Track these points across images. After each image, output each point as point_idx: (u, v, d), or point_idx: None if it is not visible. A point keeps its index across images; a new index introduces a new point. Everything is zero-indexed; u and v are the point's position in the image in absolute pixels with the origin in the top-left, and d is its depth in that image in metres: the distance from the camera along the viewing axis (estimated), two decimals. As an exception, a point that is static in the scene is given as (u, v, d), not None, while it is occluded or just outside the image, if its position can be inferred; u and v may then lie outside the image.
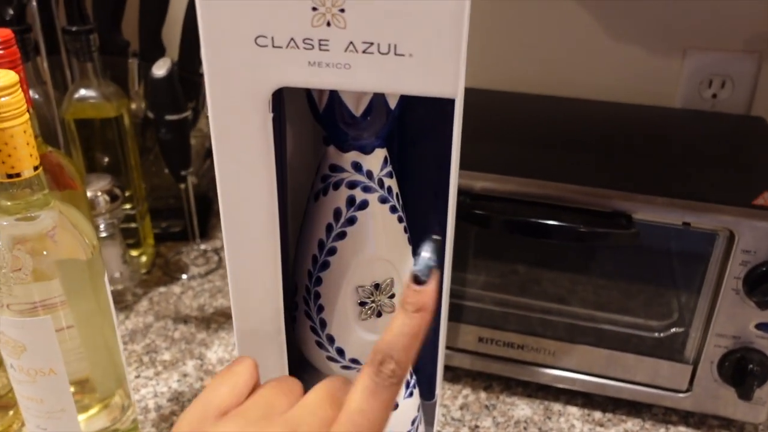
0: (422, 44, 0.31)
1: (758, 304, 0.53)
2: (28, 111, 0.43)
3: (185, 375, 0.66)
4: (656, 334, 0.60)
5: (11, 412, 0.59)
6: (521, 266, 0.63)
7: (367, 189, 0.40)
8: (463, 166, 0.48)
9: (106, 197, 0.70)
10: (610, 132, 0.68)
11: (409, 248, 0.44)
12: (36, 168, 0.43)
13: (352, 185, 0.40)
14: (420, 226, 0.45)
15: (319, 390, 0.31)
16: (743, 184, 0.56)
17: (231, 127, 0.36)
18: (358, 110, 0.38)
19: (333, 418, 0.29)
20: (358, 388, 0.29)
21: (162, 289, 0.78)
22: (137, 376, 0.65)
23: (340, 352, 0.43)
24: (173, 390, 0.64)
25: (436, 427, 0.54)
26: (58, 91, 0.73)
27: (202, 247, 0.84)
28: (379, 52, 0.32)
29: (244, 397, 0.31)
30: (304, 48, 0.32)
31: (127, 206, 0.76)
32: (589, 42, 0.76)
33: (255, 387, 0.33)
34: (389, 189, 0.41)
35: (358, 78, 0.33)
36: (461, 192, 0.56)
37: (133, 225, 0.78)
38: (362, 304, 0.42)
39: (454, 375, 0.66)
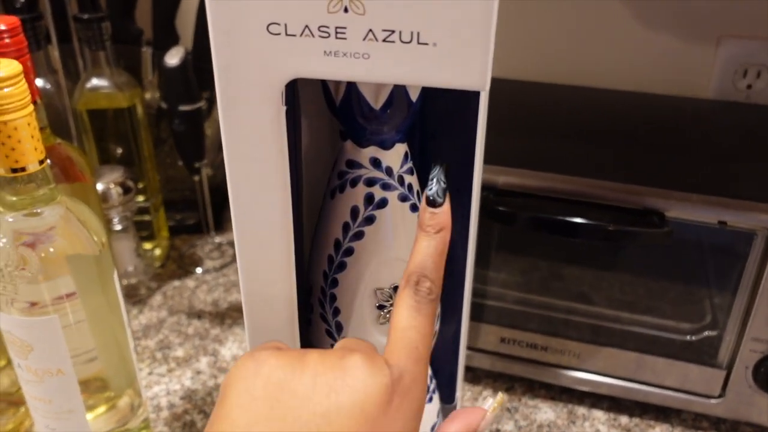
0: (448, 32, 0.29)
1: (798, 308, 0.51)
2: (34, 102, 0.41)
3: (198, 372, 0.64)
4: (688, 337, 0.57)
5: (22, 409, 0.58)
6: (546, 264, 0.61)
7: (386, 186, 0.38)
8: (487, 160, 0.45)
9: (119, 189, 0.68)
10: (640, 124, 0.65)
11: None
12: (41, 162, 0.42)
13: (370, 182, 0.38)
14: None
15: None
16: (783, 181, 0.53)
17: (242, 121, 0.34)
18: (377, 103, 0.36)
19: (374, 349, 0.31)
20: (402, 308, 0.31)
21: (176, 283, 0.76)
22: (150, 373, 0.64)
23: None
24: (186, 388, 0.63)
25: (455, 431, 0.52)
26: (70, 81, 0.71)
27: (217, 240, 0.82)
28: (401, 40, 0.29)
29: None
30: (320, 36, 0.30)
31: (141, 198, 0.74)
32: (619, 29, 0.73)
33: None
34: (410, 186, 0.39)
35: (377, 69, 0.30)
36: (484, 187, 0.53)
37: (146, 217, 0.76)
38: (381, 307, 0.40)
39: (474, 376, 0.63)
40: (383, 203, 0.38)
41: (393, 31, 0.29)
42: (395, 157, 0.38)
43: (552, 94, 0.72)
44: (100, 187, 0.67)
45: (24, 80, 0.39)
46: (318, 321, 0.42)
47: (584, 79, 0.74)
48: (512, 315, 0.60)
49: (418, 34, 0.29)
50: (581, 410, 0.60)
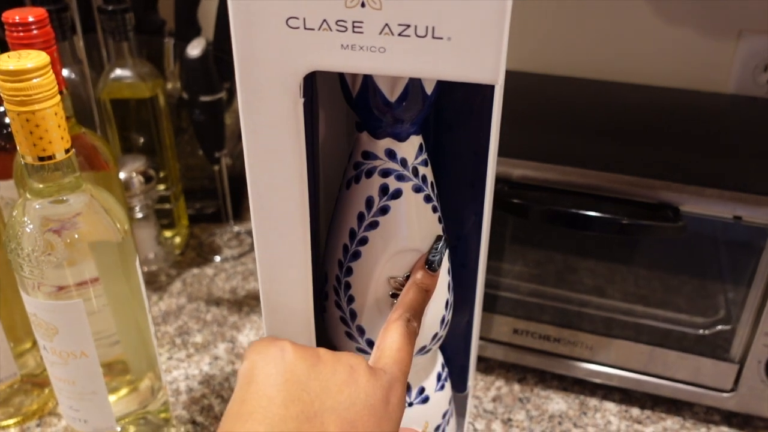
0: (462, 27, 0.29)
1: (812, 304, 0.51)
2: (60, 92, 0.43)
3: (216, 358, 0.66)
4: (701, 331, 0.57)
5: (46, 390, 0.60)
6: (560, 256, 0.61)
7: (400, 177, 0.39)
8: (502, 153, 0.46)
9: (141, 178, 0.70)
10: (657, 118, 0.65)
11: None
12: (67, 151, 0.43)
13: (385, 173, 0.39)
14: (455, 215, 0.43)
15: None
16: (800, 176, 0.53)
17: (261, 113, 0.34)
18: (392, 95, 0.37)
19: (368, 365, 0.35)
20: (395, 333, 0.36)
21: (195, 271, 0.78)
22: (169, 358, 0.66)
23: (370, 343, 0.42)
24: (204, 373, 0.64)
25: (468, 419, 0.53)
26: (94, 71, 0.73)
27: (236, 229, 0.84)
28: (416, 35, 0.30)
29: None
30: (338, 30, 0.31)
31: (162, 187, 0.76)
32: (637, 22, 0.73)
33: None
34: (424, 177, 0.40)
35: (393, 62, 0.31)
36: (499, 180, 0.54)
37: (167, 206, 0.78)
38: (394, 295, 0.41)
39: (487, 366, 0.64)
40: (398, 194, 0.39)
41: (408, 26, 0.30)
42: (410, 148, 0.39)
43: (570, 88, 0.72)
44: (122, 175, 0.68)
45: (51, 71, 0.40)
46: (333, 308, 0.43)
47: (603, 73, 0.74)
48: (526, 306, 0.61)
49: (433, 28, 0.30)
50: (593, 401, 0.61)
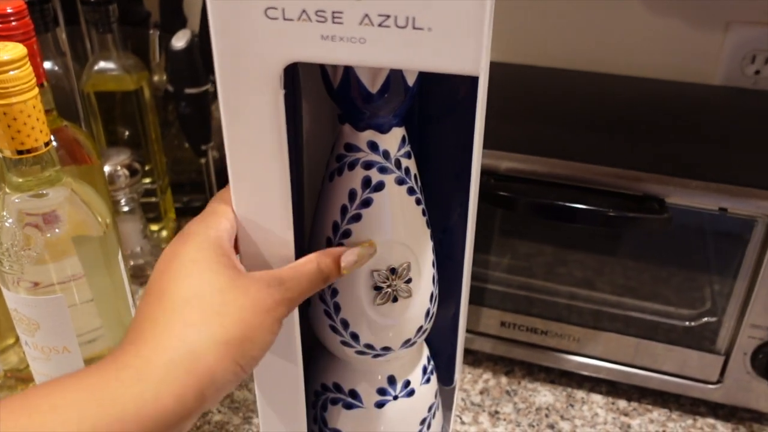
0: (442, 17, 0.29)
1: (797, 295, 0.51)
2: (40, 85, 0.42)
3: (203, 352, 0.65)
4: (687, 323, 0.57)
5: (31, 386, 0.59)
6: (547, 249, 0.61)
7: (383, 170, 0.39)
8: (488, 145, 0.46)
9: (126, 171, 0.69)
10: (643, 110, 0.65)
11: (428, 231, 0.42)
12: (46, 144, 0.42)
13: (367, 165, 0.39)
14: (441, 207, 0.43)
15: None
16: (786, 168, 0.53)
17: (241, 105, 0.34)
18: (374, 87, 0.36)
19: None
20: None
21: (182, 265, 0.77)
22: (155, 352, 0.65)
23: (354, 336, 0.42)
24: (191, 367, 0.64)
25: (455, 412, 0.53)
26: (77, 63, 0.72)
27: (223, 222, 0.83)
28: (396, 25, 0.30)
29: None
30: (317, 21, 0.30)
31: (147, 180, 0.75)
32: (625, 13, 0.73)
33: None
34: (407, 170, 0.39)
35: (373, 53, 0.31)
36: (485, 172, 0.54)
37: (153, 199, 0.77)
38: (377, 288, 0.40)
39: (474, 359, 0.64)
40: (380, 186, 0.39)
41: (388, 16, 0.29)
42: (392, 140, 0.39)
43: (556, 79, 0.72)
44: (107, 169, 0.68)
45: (29, 63, 0.40)
46: (317, 301, 0.42)
47: (589, 64, 0.74)
48: (513, 299, 0.61)
49: (414, 18, 0.29)
50: (580, 394, 0.61)
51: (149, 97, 0.73)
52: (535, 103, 0.65)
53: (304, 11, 0.30)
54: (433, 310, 0.43)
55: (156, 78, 0.80)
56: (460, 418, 0.59)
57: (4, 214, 0.43)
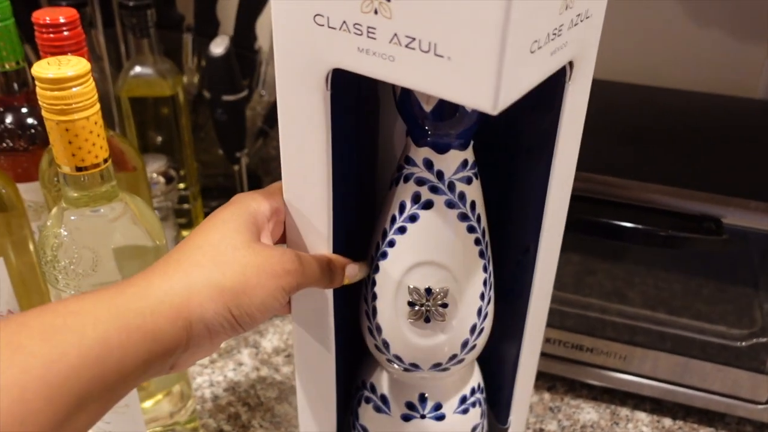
0: (461, 49, 0.28)
1: None
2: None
3: (240, 364, 0.65)
4: (737, 343, 0.57)
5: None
6: (597, 266, 0.61)
7: (434, 189, 0.38)
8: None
9: (162, 179, 0.68)
10: (689, 124, 0.64)
11: (480, 262, 0.40)
12: (105, 160, 0.41)
13: (420, 182, 0.38)
14: (516, 243, 0.43)
15: None
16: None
17: (294, 103, 0.35)
18: (428, 105, 0.36)
19: None
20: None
21: (214, 272, 0.76)
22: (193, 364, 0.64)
23: (386, 344, 0.41)
24: (229, 379, 0.63)
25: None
26: (111, 67, 0.71)
27: (253, 228, 0.82)
28: (421, 49, 0.29)
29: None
30: (355, 33, 0.31)
31: (181, 186, 0.74)
32: (670, 27, 0.72)
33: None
34: (461, 195, 0.38)
35: (400, 72, 0.30)
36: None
37: (185, 206, 0.76)
38: (411, 304, 0.40)
39: (516, 374, 0.63)
40: (428, 205, 0.38)
41: (414, 39, 0.29)
42: (450, 162, 0.38)
43: (599, 92, 0.70)
44: (144, 176, 0.67)
45: (91, 79, 0.39)
46: (362, 302, 0.43)
47: (631, 77, 0.73)
48: (560, 316, 0.60)
49: (435, 45, 0.29)
50: (624, 411, 0.60)
51: (183, 102, 0.72)
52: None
53: (344, 22, 0.31)
54: (476, 342, 0.42)
55: (185, 81, 0.79)
56: (504, 436, 0.58)
57: (62, 231, 0.42)
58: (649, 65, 0.74)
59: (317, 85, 0.33)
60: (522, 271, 0.43)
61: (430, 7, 0.28)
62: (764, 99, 0.72)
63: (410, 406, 0.45)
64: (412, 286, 0.39)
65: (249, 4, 0.74)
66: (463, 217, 0.39)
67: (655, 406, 0.61)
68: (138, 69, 0.68)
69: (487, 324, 0.42)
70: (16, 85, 0.55)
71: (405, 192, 0.39)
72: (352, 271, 0.40)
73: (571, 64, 0.35)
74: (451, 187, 0.38)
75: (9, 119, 0.56)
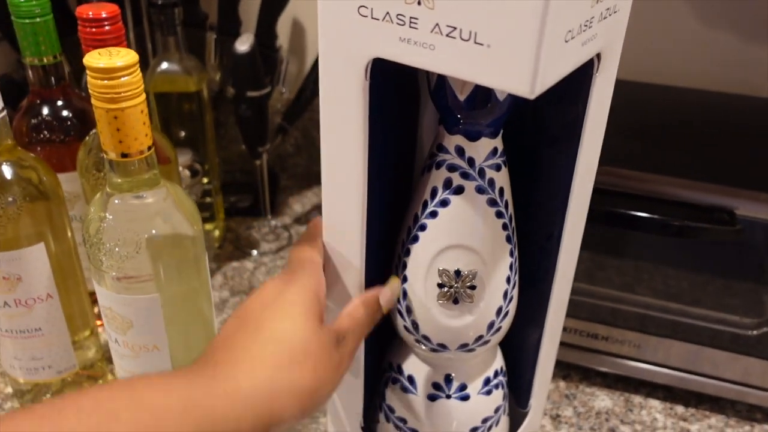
0: (501, 37, 0.30)
1: None
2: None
3: (264, 351, 0.66)
4: (749, 332, 0.58)
5: (100, 382, 0.60)
6: (613, 257, 0.62)
7: (465, 175, 0.40)
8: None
9: (187, 172, 0.70)
10: (700, 121, 0.66)
11: (507, 247, 0.42)
12: (149, 148, 0.43)
13: (451, 168, 0.40)
14: (541, 230, 0.45)
15: None
16: None
17: (335, 91, 0.37)
18: (462, 94, 0.38)
19: None
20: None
21: (235, 264, 0.78)
22: (217, 351, 0.66)
23: (415, 325, 0.43)
24: (254, 366, 0.65)
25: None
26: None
27: (273, 222, 0.84)
28: (461, 38, 0.31)
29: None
30: (397, 23, 0.32)
31: (205, 180, 0.76)
32: (679, 27, 0.74)
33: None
34: (491, 181, 0.40)
35: (440, 60, 0.32)
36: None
37: (208, 200, 0.78)
38: (441, 285, 0.42)
39: (532, 362, 0.65)
40: (459, 190, 0.40)
41: (455, 28, 0.31)
42: (481, 149, 0.40)
43: (616, 90, 0.72)
44: (170, 169, 0.69)
45: (139, 69, 0.41)
46: None
47: (642, 75, 0.75)
48: (576, 306, 0.61)
49: (476, 33, 0.31)
50: (637, 398, 0.62)
51: (207, 98, 0.74)
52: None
53: (387, 13, 0.33)
54: (501, 324, 0.44)
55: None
56: (522, 421, 0.60)
57: (107, 215, 0.44)
58: (659, 64, 0.76)
59: (356, 75, 0.35)
60: (545, 257, 0.45)
61: None
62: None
63: (436, 386, 0.46)
64: (441, 268, 0.41)
65: (271, 3, 0.76)
66: (492, 202, 0.41)
67: (668, 393, 0.63)
68: (164, 65, 0.70)
69: (512, 307, 0.44)
70: (53, 79, 0.57)
71: (437, 178, 0.40)
72: (387, 296, 0.42)
73: (599, 56, 0.37)
74: (482, 173, 0.40)
75: (46, 111, 0.58)
